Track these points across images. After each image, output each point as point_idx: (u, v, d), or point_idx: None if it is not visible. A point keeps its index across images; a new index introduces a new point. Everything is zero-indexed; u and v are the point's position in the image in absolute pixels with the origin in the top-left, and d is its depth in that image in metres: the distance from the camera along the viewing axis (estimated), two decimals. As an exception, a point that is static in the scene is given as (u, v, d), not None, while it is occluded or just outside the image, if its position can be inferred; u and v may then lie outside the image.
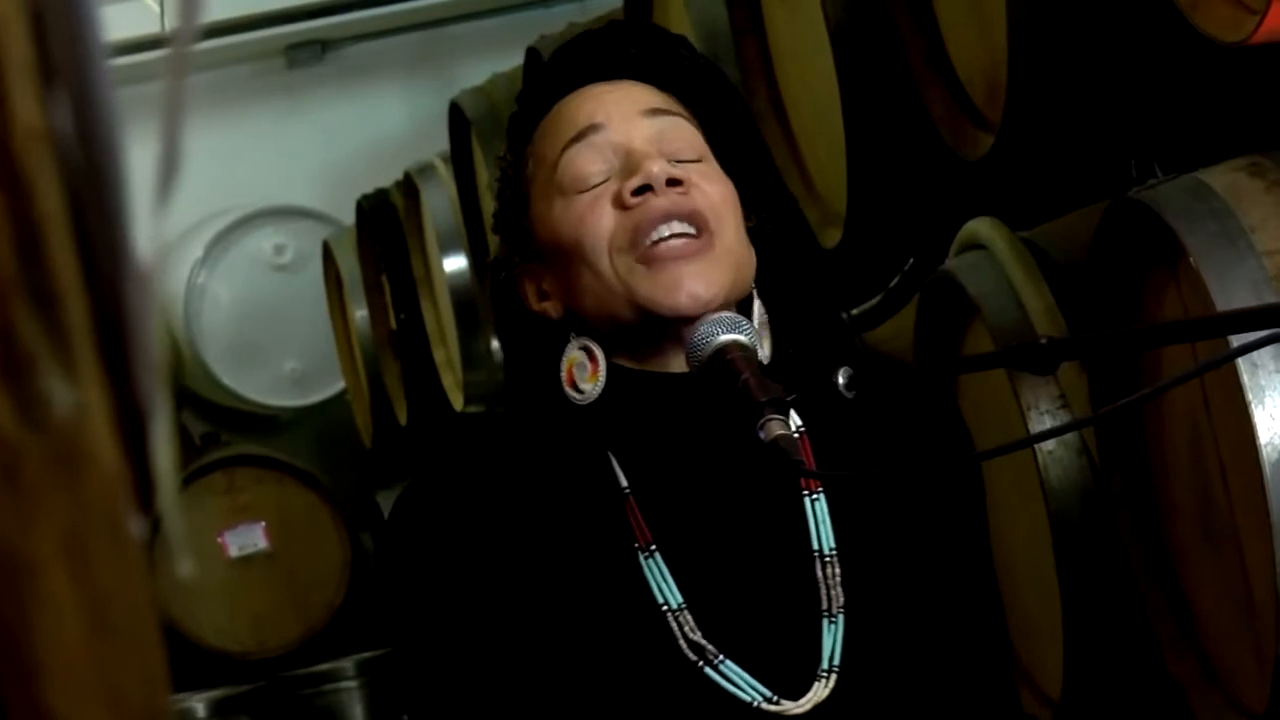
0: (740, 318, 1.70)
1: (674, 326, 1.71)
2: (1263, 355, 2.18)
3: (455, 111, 5.04)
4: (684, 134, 1.79)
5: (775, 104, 3.28)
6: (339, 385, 6.96)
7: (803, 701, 1.70)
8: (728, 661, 1.70)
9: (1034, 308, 2.64)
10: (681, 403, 1.74)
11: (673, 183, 1.73)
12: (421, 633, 1.77)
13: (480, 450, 1.82)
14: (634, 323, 1.73)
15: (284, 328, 7.07)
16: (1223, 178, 2.31)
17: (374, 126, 7.23)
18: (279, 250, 7.09)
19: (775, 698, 1.70)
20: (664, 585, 1.72)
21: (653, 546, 1.73)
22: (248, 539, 6.88)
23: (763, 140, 1.92)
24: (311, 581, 6.89)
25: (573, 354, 1.78)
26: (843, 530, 1.75)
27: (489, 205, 1.90)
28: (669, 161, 1.75)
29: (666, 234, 1.72)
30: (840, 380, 1.72)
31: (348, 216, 6.42)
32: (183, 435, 7.11)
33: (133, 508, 0.58)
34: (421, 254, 5.75)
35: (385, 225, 5.91)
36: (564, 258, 1.76)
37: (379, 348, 6.24)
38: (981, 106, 2.74)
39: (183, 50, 0.56)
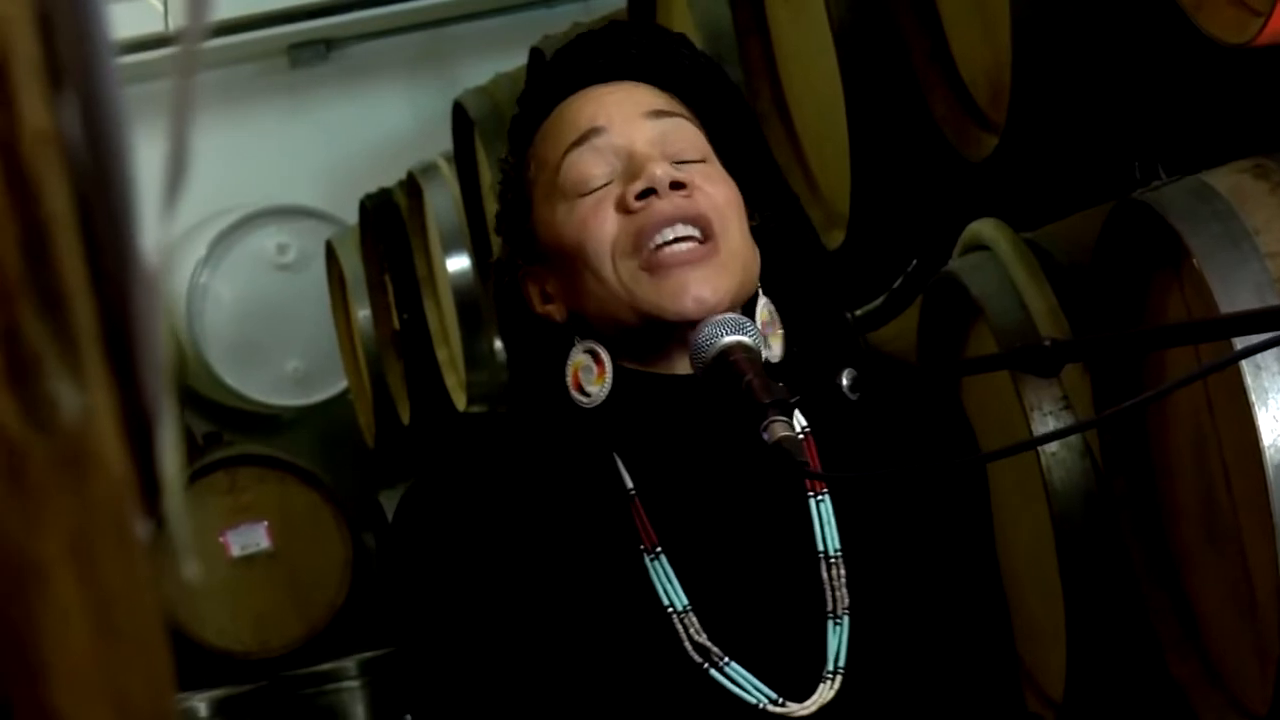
0: (744, 319, 1.69)
1: (679, 330, 1.70)
2: (1266, 357, 2.18)
3: (459, 111, 5.04)
4: (686, 135, 1.79)
5: (779, 104, 3.28)
6: (341, 385, 6.96)
7: (808, 703, 1.70)
8: (733, 663, 1.70)
9: (1037, 309, 2.64)
10: (686, 405, 1.74)
11: (676, 186, 1.72)
12: (427, 633, 1.77)
13: (484, 451, 1.82)
14: (638, 326, 1.73)
15: (287, 327, 7.07)
16: (1227, 179, 2.31)
17: (377, 126, 7.23)
18: (282, 249, 7.10)
19: (780, 699, 1.70)
20: (669, 587, 1.72)
21: (658, 548, 1.73)
22: (250, 538, 6.88)
23: (764, 138, 1.92)
24: (314, 581, 6.89)
25: (578, 357, 1.77)
26: (848, 531, 1.75)
27: (492, 205, 1.91)
28: (671, 163, 1.75)
29: (670, 237, 1.71)
30: (844, 382, 1.72)
31: (351, 216, 6.42)
32: (185, 435, 7.11)
33: (139, 510, 0.58)
34: (424, 254, 5.75)
35: (388, 225, 5.91)
36: (567, 262, 1.76)
37: (382, 347, 6.24)
38: (985, 107, 2.74)
39: (190, 53, 0.56)
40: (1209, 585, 2.45)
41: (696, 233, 1.72)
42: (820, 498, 1.75)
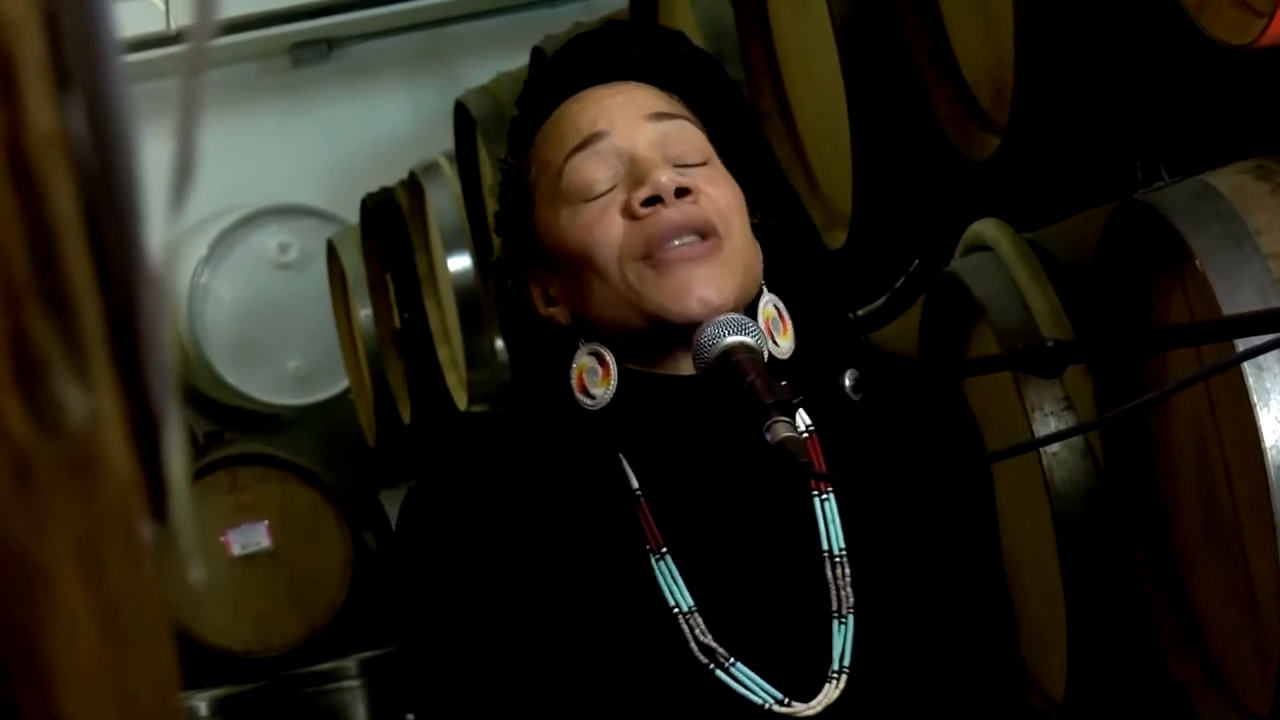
0: (746, 319, 1.69)
1: (684, 331, 1.71)
2: (1268, 358, 2.18)
3: (460, 110, 5.04)
4: (688, 137, 1.78)
5: (781, 104, 3.28)
6: (342, 384, 6.96)
7: (814, 703, 1.70)
8: (738, 664, 1.70)
9: (1039, 309, 2.64)
10: (691, 405, 1.74)
11: (681, 192, 1.72)
12: (432, 633, 1.77)
13: (488, 451, 1.82)
14: (644, 329, 1.73)
15: (288, 326, 7.07)
16: (1229, 180, 2.31)
17: (379, 125, 7.23)
18: (283, 249, 7.10)
19: (786, 700, 1.70)
20: (675, 588, 1.72)
21: (664, 549, 1.73)
22: (250, 538, 6.88)
23: (763, 135, 1.92)
24: (314, 580, 6.89)
25: (583, 359, 1.77)
26: (852, 530, 1.75)
27: (493, 205, 1.90)
28: (674, 166, 1.75)
29: (677, 245, 1.71)
30: (847, 382, 1.72)
31: (352, 215, 6.42)
32: (186, 434, 7.10)
33: (145, 512, 0.58)
34: (426, 253, 5.75)
35: (390, 224, 5.91)
36: (572, 266, 1.76)
37: (383, 346, 6.24)
38: (987, 108, 2.74)
39: (197, 52, 0.56)
40: (1210, 585, 2.45)
41: (701, 238, 1.72)
42: (825, 497, 1.75)
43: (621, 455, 1.77)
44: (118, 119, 0.58)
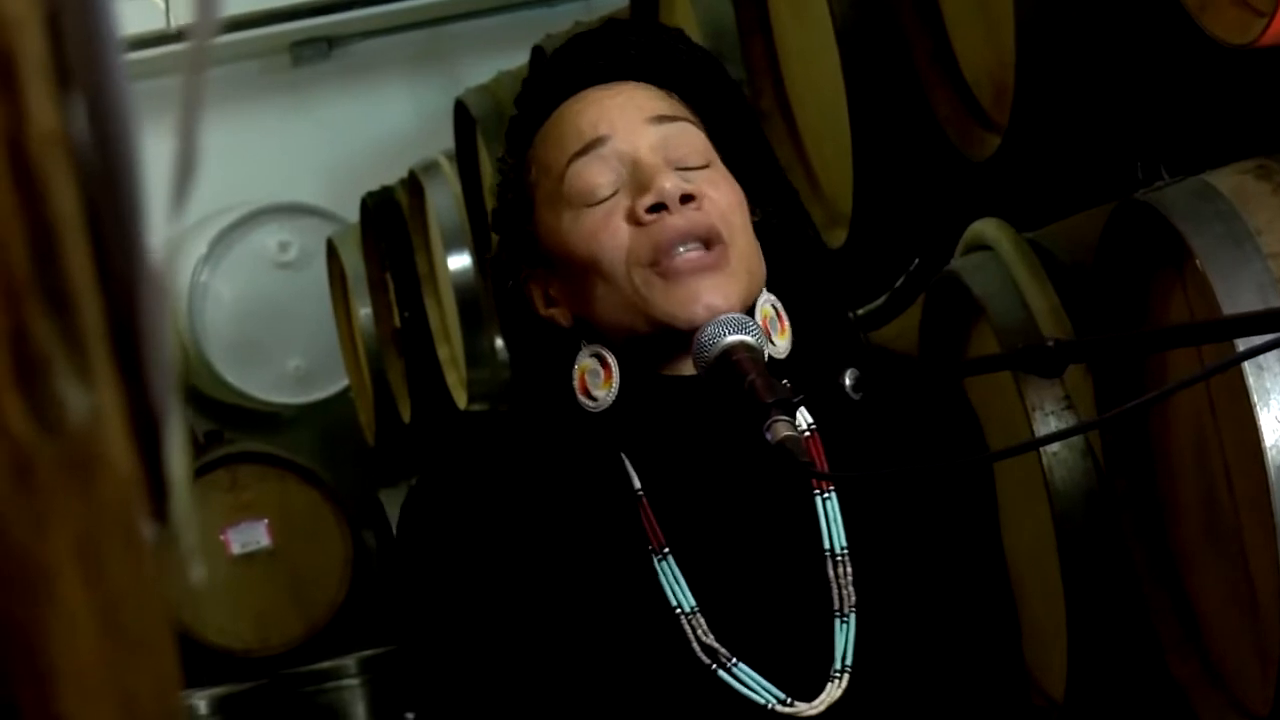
0: (746, 318, 1.69)
1: (688, 337, 1.71)
2: (1268, 358, 2.18)
3: (460, 109, 5.04)
4: (689, 139, 1.78)
5: (781, 103, 3.28)
6: (342, 383, 6.96)
7: (816, 702, 1.70)
8: (741, 664, 1.70)
9: (1039, 309, 2.64)
10: (692, 405, 1.74)
11: (685, 199, 1.72)
12: (433, 631, 1.77)
13: (490, 450, 1.82)
14: (648, 333, 1.73)
15: (287, 325, 7.07)
16: (1229, 180, 2.31)
17: (379, 124, 7.23)
18: (283, 247, 7.09)
19: (789, 699, 1.70)
20: (677, 588, 1.72)
21: (666, 549, 1.73)
22: (250, 536, 6.88)
23: (762, 132, 1.92)
24: (314, 579, 6.89)
25: (585, 362, 1.77)
26: (854, 529, 1.75)
27: (493, 204, 1.89)
28: (677, 170, 1.75)
29: (684, 252, 1.71)
30: (847, 381, 1.72)
31: (352, 214, 6.42)
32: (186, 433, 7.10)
33: (146, 511, 0.58)
34: (426, 251, 5.75)
35: (390, 223, 5.91)
36: (577, 270, 1.76)
37: (383, 345, 6.24)
38: (988, 107, 2.74)
39: (199, 50, 0.56)
40: (1210, 585, 2.45)
41: (707, 246, 1.72)
42: (826, 496, 1.75)
43: (624, 455, 1.77)
44: (119, 117, 0.58)
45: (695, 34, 3.21)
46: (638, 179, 1.74)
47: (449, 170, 5.41)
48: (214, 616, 6.73)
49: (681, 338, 1.71)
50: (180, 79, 0.59)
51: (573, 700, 1.70)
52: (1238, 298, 2.21)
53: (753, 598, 1.72)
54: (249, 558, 6.87)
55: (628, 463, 1.76)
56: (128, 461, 0.57)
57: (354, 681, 6.49)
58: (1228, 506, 2.36)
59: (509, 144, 1.87)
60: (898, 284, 3.38)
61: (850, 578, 1.73)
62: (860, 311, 3.39)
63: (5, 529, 0.55)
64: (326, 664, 6.57)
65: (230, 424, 7.27)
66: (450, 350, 5.67)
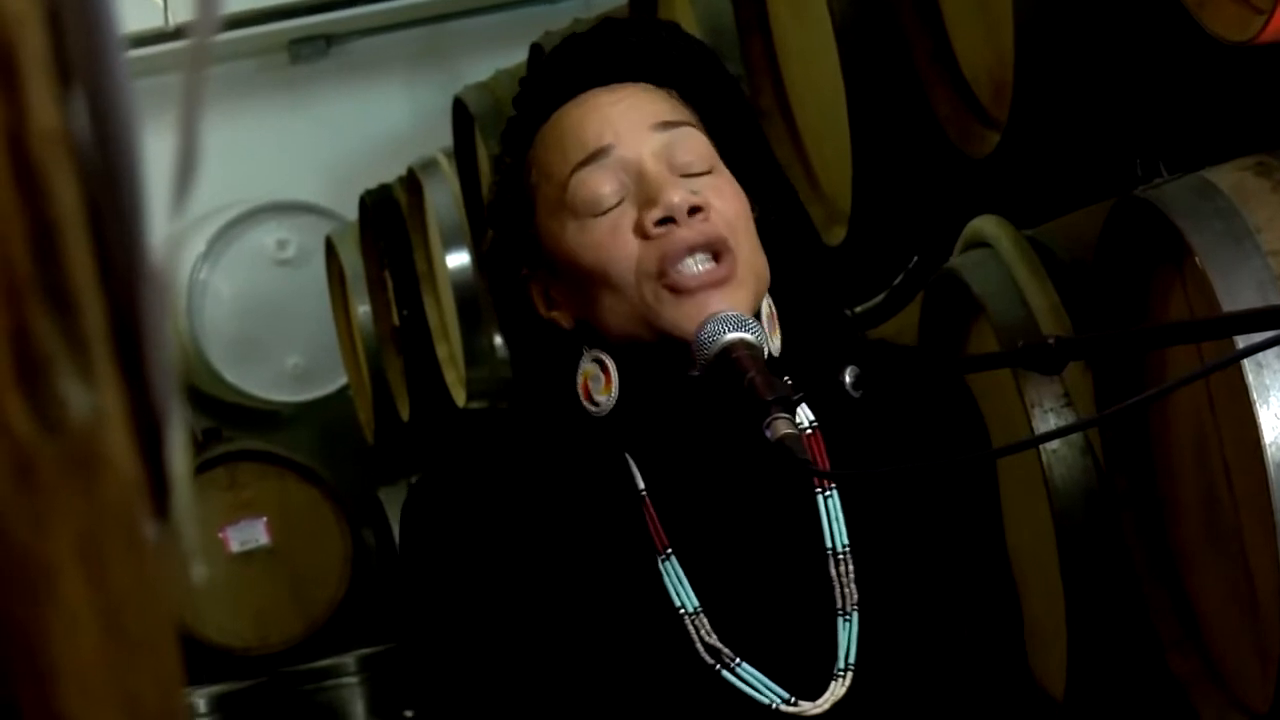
0: (746, 316, 1.69)
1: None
2: (1268, 355, 2.18)
3: (459, 107, 5.04)
4: (693, 145, 1.78)
5: (781, 102, 3.28)
6: (341, 381, 6.96)
7: (820, 701, 1.70)
8: (744, 664, 1.70)
9: (1039, 306, 2.64)
10: (694, 405, 1.74)
11: (693, 210, 1.72)
12: (436, 630, 1.77)
13: (492, 448, 1.82)
14: (653, 342, 1.73)
15: (286, 323, 7.07)
16: (1229, 177, 2.31)
17: (378, 122, 7.23)
18: (281, 245, 7.09)
19: (793, 699, 1.70)
20: (680, 588, 1.72)
21: (669, 550, 1.73)
22: (249, 534, 6.88)
23: (760, 126, 1.92)
24: (313, 577, 6.89)
25: (587, 367, 1.77)
26: (855, 526, 1.75)
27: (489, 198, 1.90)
28: (682, 177, 1.74)
29: (693, 265, 1.71)
30: (847, 379, 1.72)
31: (351, 212, 6.42)
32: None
33: (148, 511, 0.58)
34: (424, 250, 5.75)
35: (388, 220, 5.90)
36: (583, 279, 1.75)
37: (381, 343, 6.24)
38: (987, 105, 2.74)
39: (200, 48, 0.56)
40: (1210, 583, 2.45)
41: (715, 257, 1.72)
42: (828, 494, 1.75)
43: (628, 456, 1.76)
44: (120, 115, 0.58)
45: (694, 32, 3.20)
46: (644, 190, 1.73)
47: (448, 168, 5.41)
48: (213, 615, 6.73)
49: (687, 347, 1.71)
50: (181, 76, 0.59)
51: (576, 701, 1.70)
52: (1237, 295, 2.21)
53: (756, 597, 1.72)
54: (248, 556, 6.87)
55: (632, 463, 1.76)
56: (129, 461, 0.57)
57: (353, 679, 6.49)
58: (1227, 504, 2.36)
59: (506, 144, 1.86)
60: (897, 281, 3.38)
61: (852, 575, 1.73)
62: (859, 309, 3.39)
63: (7, 528, 0.55)
64: (326, 662, 6.57)
65: (229, 422, 7.26)
66: (449, 348, 5.67)
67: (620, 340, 1.75)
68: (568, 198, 1.76)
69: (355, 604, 6.88)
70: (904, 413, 1.82)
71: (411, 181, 5.64)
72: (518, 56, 4.79)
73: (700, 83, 1.83)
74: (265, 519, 6.89)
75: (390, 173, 6.02)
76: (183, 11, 6.57)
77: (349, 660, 6.52)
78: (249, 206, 7.04)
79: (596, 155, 1.76)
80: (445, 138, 5.27)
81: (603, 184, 1.74)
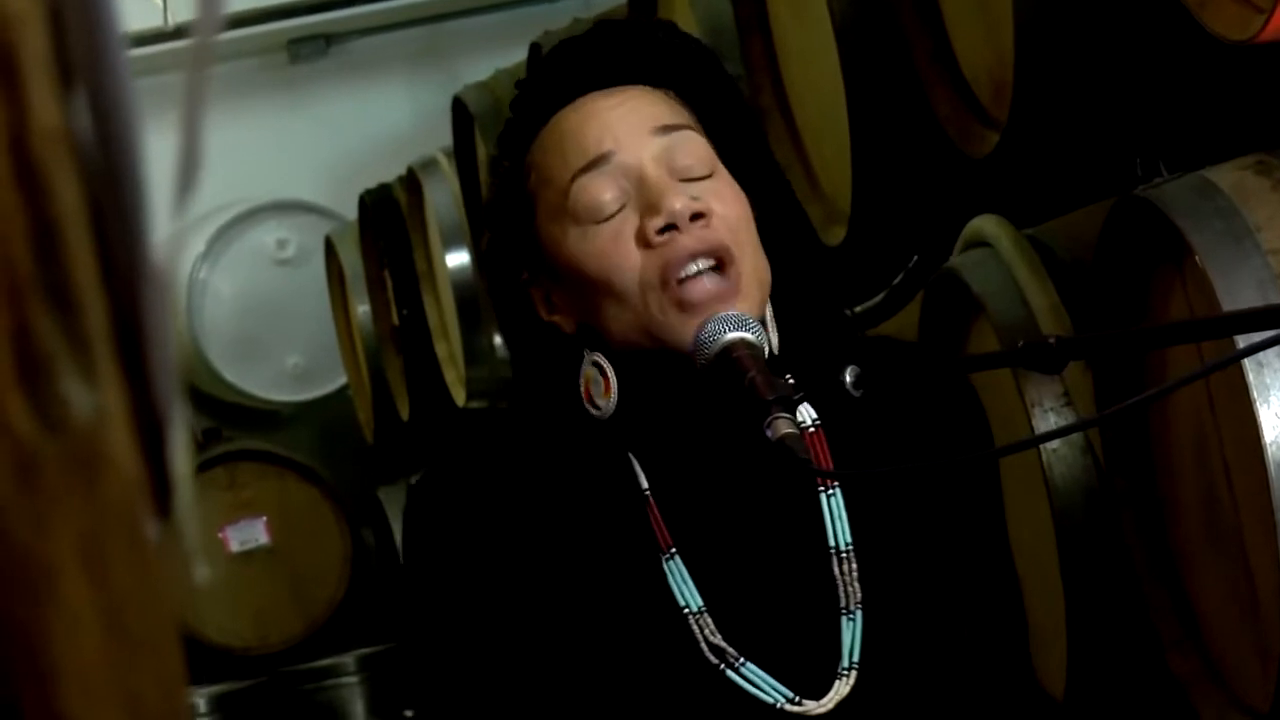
0: (746, 316, 1.69)
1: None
2: (1268, 355, 2.17)
3: (459, 106, 5.04)
4: (693, 148, 1.77)
5: (780, 101, 3.28)
6: (341, 380, 6.96)
7: (825, 700, 1.70)
8: (749, 663, 1.70)
9: (1039, 305, 2.63)
10: (697, 405, 1.74)
11: (695, 216, 1.72)
12: (441, 629, 1.77)
13: (495, 447, 1.81)
14: (656, 350, 1.73)
15: (286, 323, 7.07)
16: (1229, 176, 2.31)
17: (377, 121, 7.23)
18: (281, 245, 7.09)
19: (797, 698, 1.70)
20: (684, 588, 1.72)
21: (673, 549, 1.73)
22: (249, 534, 6.88)
23: (759, 126, 1.92)
24: (313, 577, 6.89)
25: (587, 370, 1.77)
26: (859, 525, 1.75)
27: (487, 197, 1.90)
28: (683, 183, 1.74)
29: (694, 270, 1.71)
30: (847, 379, 1.72)
31: (350, 211, 6.42)
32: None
33: (150, 511, 0.58)
34: (424, 249, 5.74)
35: (388, 220, 5.90)
36: (586, 287, 1.75)
37: (381, 343, 6.24)
38: (987, 104, 2.74)
39: (203, 48, 0.56)
40: (1210, 583, 2.45)
41: (717, 263, 1.71)
42: (831, 492, 1.75)
43: (631, 456, 1.76)
44: (122, 114, 0.58)
45: (694, 32, 3.20)
46: (645, 197, 1.73)
47: (447, 168, 5.41)
48: (213, 614, 6.73)
49: (690, 357, 1.71)
50: (182, 76, 0.59)
51: (581, 701, 1.70)
52: (1237, 294, 2.21)
53: (760, 597, 1.72)
54: (248, 555, 6.87)
55: (635, 463, 1.76)
56: (132, 460, 0.57)
57: (353, 679, 6.49)
58: (1228, 503, 2.36)
59: (504, 147, 1.85)
60: (896, 281, 3.38)
61: (856, 574, 1.73)
62: (859, 309, 3.39)
63: (8, 528, 0.55)
64: (325, 661, 6.57)
65: (228, 422, 7.26)
66: (449, 348, 5.66)
67: (623, 346, 1.75)
68: (569, 204, 1.75)
69: (355, 604, 6.88)
70: (907, 410, 1.82)
71: (411, 181, 5.64)
72: (517, 56, 4.79)
73: (698, 82, 1.83)
74: (265, 519, 6.88)
75: (390, 172, 6.02)
76: (182, 11, 6.57)
77: (349, 660, 6.52)
78: (249, 206, 7.04)
79: (597, 161, 1.75)
80: (445, 137, 5.27)
81: (604, 191, 1.74)
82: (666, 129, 1.77)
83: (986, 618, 1.78)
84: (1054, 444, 2.61)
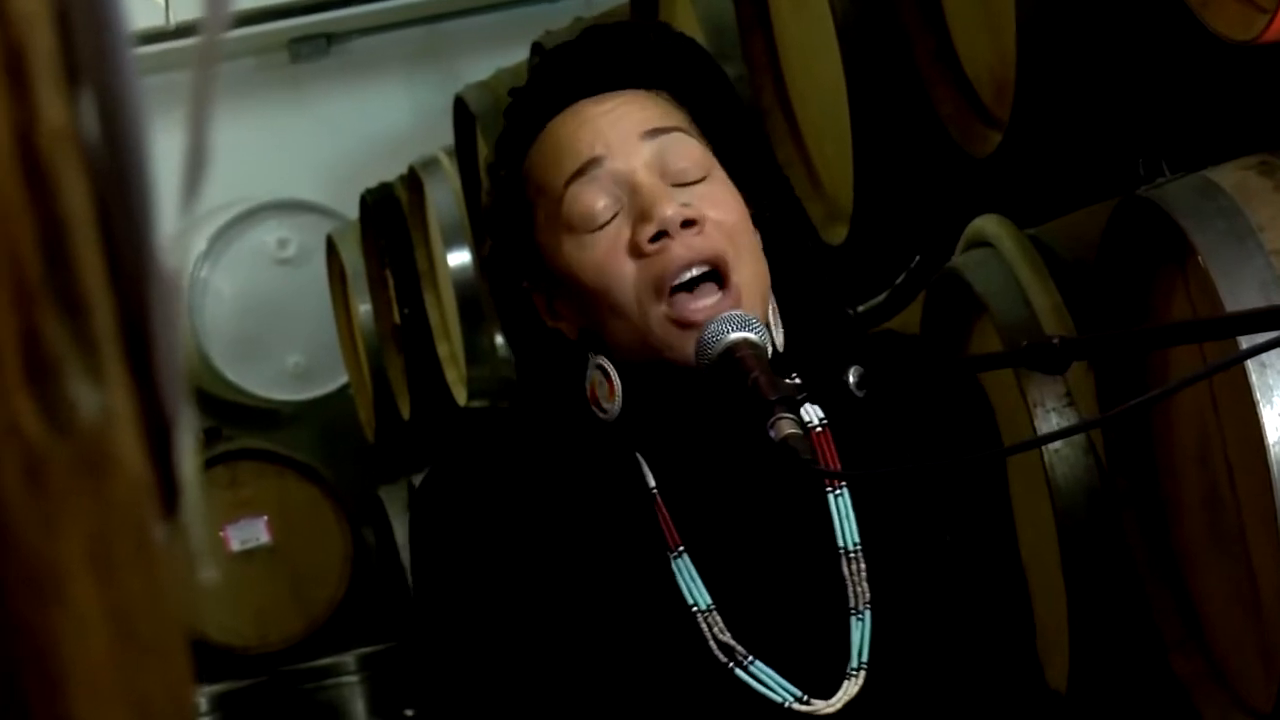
0: (749, 315, 1.69)
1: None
2: (1271, 355, 2.17)
3: (460, 106, 5.04)
4: (686, 151, 1.76)
5: (782, 100, 3.28)
6: (342, 380, 6.96)
7: (833, 700, 1.70)
8: (757, 662, 1.70)
9: (1041, 306, 2.63)
10: (703, 405, 1.74)
11: (687, 224, 1.71)
12: (449, 628, 1.76)
13: (501, 446, 1.81)
14: (658, 360, 1.72)
15: (287, 322, 7.07)
16: (1231, 176, 2.31)
17: (378, 120, 7.23)
18: (282, 244, 7.09)
19: (806, 697, 1.70)
20: (693, 586, 1.72)
21: (681, 548, 1.73)
22: (250, 533, 6.88)
23: (756, 124, 1.91)
24: (313, 576, 6.89)
25: (592, 374, 1.77)
26: (866, 524, 1.75)
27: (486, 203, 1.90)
28: (676, 188, 1.73)
29: (687, 278, 1.70)
30: (851, 379, 1.72)
31: (351, 210, 6.42)
32: (186, 430, 7.09)
33: (157, 513, 0.58)
34: (425, 248, 5.74)
35: (389, 219, 5.90)
36: (586, 296, 1.75)
37: (382, 342, 6.24)
38: (989, 104, 2.74)
39: (209, 47, 0.56)
40: (1213, 583, 2.45)
41: (712, 270, 1.71)
42: (838, 492, 1.75)
43: (639, 455, 1.76)
44: (129, 114, 0.57)
45: (695, 31, 3.21)
46: (637, 205, 1.72)
47: (448, 167, 5.41)
48: (213, 613, 6.73)
49: (692, 368, 1.70)
50: (189, 75, 0.59)
51: (589, 699, 1.70)
52: (1240, 295, 2.20)
53: (768, 595, 1.72)
54: (248, 555, 6.87)
55: (643, 462, 1.76)
56: (140, 462, 0.57)
57: (353, 678, 6.49)
58: (1230, 504, 2.36)
59: (500, 155, 1.85)
60: (898, 281, 3.38)
61: (864, 574, 1.73)
62: (861, 308, 3.39)
63: (17, 530, 0.55)
64: (326, 661, 6.57)
65: (229, 421, 7.26)
66: (450, 347, 5.66)
67: (626, 353, 1.75)
68: (563, 212, 1.75)
69: (355, 603, 6.88)
70: (913, 408, 1.81)
71: (412, 180, 5.64)
72: (518, 55, 4.79)
73: (691, 83, 1.82)
74: (265, 518, 6.88)
75: (391, 171, 6.02)
76: (183, 10, 6.57)
77: (349, 659, 6.52)
78: (250, 205, 7.04)
79: (588, 167, 1.75)
80: (446, 136, 5.27)
81: (596, 199, 1.74)
82: (657, 131, 1.76)
83: (995, 617, 1.78)
84: (1056, 444, 2.61)
